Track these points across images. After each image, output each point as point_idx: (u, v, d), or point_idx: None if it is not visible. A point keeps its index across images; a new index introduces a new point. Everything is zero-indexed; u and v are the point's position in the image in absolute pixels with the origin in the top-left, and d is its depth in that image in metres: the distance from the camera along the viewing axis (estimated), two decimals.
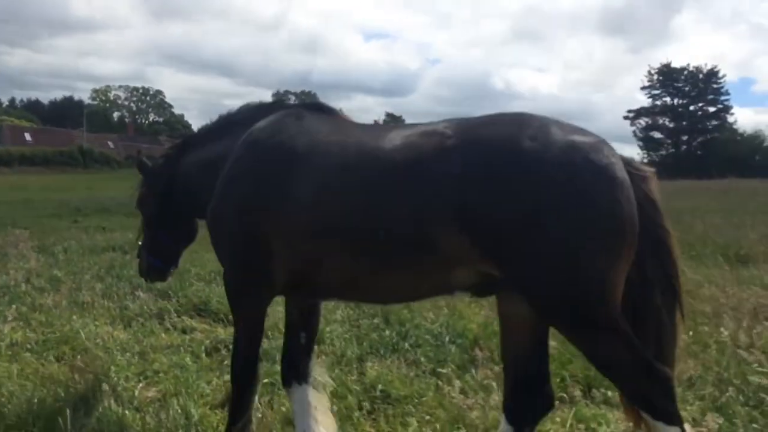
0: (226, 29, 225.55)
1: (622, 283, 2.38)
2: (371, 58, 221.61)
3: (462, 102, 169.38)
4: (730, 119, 78.54)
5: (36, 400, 3.68)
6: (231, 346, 3.48)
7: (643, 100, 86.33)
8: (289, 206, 2.79)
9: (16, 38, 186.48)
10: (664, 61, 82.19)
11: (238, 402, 3.17)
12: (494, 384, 3.81)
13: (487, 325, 4.85)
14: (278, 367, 4.18)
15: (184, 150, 3.73)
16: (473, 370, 4.15)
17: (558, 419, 3.46)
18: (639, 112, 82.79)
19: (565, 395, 3.70)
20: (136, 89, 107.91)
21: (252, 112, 3.42)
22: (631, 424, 2.70)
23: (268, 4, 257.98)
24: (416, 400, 3.72)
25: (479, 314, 5.32)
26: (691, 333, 4.64)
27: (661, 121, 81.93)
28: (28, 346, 4.73)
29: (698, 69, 78.65)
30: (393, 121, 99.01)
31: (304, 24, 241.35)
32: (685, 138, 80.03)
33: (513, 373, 2.84)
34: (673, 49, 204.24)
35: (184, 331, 5.20)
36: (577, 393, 3.75)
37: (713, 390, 3.74)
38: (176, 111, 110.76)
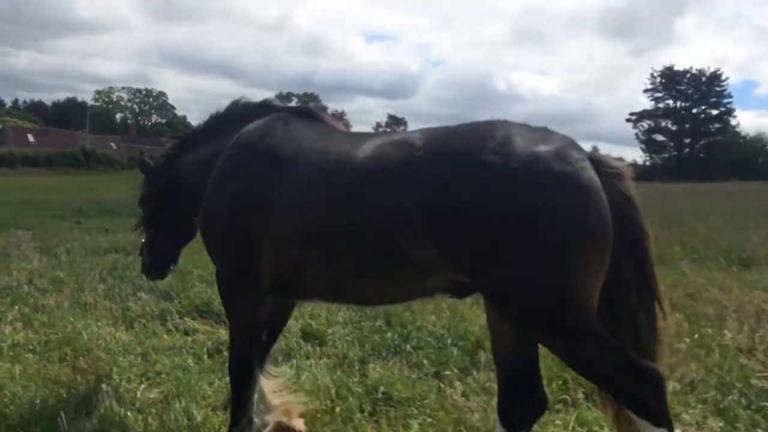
0: (229, 30, 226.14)
1: (596, 287, 2.38)
2: (373, 59, 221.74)
3: (464, 104, 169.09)
4: (733, 122, 78.51)
5: (38, 401, 3.69)
6: None
7: (646, 103, 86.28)
8: (275, 209, 2.87)
9: (20, 39, 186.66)
10: (667, 64, 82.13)
11: (238, 401, 3.21)
12: (496, 387, 3.78)
13: None
14: (280, 369, 4.21)
15: (183, 149, 3.81)
16: (475, 373, 4.15)
17: (560, 422, 3.46)
18: (641, 115, 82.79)
19: (567, 398, 3.70)
20: (139, 91, 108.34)
21: (242, 112, 3.51)
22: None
23: (270, 6, 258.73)
24: (418, 403, 3.72)
25: (481, 316, 5.30)
26: (695, 336, 4.64)
27: (663, 124, 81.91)
28: (31, 347, 4.73)
29: (701, 72, 78.65)
30: (395, 123, 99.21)
31: (306, 25, 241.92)
32: (687, 141, 79.98)
33: (504, 375, 2.85)
34: (676, 51, 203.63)
35: (186, 333, 5.21)
36: (580, 396, 3.74)
37: (715, 393, 3.73)
38: (179, 112, 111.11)
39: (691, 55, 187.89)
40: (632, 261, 2.45)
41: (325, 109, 3.81)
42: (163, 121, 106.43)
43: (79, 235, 11.77)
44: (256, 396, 3.35)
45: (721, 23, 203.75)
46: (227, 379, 3.87)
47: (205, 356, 4.58)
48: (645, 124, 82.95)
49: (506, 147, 2.34)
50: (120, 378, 4.08)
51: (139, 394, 3.85)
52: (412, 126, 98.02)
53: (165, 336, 5.10)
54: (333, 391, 3.83)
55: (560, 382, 3.85)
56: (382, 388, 3.87)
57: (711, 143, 77.62)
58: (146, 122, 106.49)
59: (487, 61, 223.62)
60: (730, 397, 3.64)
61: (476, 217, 2.31)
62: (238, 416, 3.20)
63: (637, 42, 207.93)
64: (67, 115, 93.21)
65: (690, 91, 79.35)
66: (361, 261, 2.64)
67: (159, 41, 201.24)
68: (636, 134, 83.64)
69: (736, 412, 3.50)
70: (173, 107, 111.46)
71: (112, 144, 75.60)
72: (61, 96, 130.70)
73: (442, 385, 3.96)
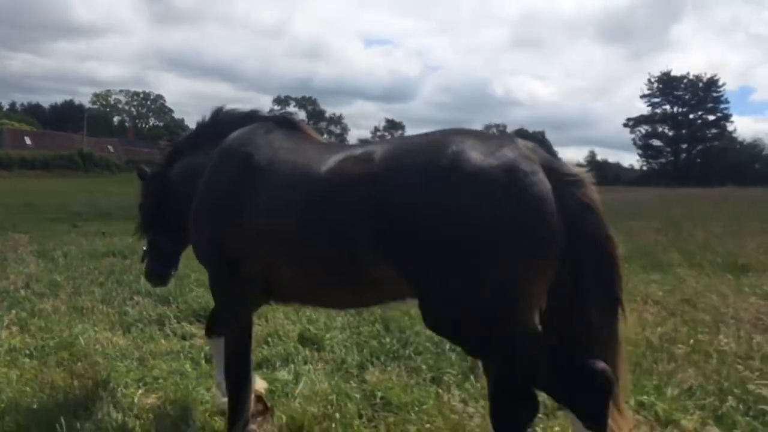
0: (228, 35, 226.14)
1: (536, 296, 2.42)
2: (372, 64, 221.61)
3: (462, 108, 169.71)
4: (730, 128, 79.01)
5: (35, 407, 3.68)
6: None
7: (643, 108, 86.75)
8: (250, 215, 3.00)
9: (18, 42, 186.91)
10: (664, 70, 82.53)
11: (234, 402, 3.25)
12: None
13: None
14: (278, 375, 4.23)
15: (174, 157, 3.95)
16: (473, 378, 4.14)
17: (558, 428, 3.45)
18: (638, 120, 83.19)
19: None
20: (136, 93, 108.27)
21: (226, 120, 3.68)
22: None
23: (269, 10, 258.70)
24: (417, 408, 3.71)
25: None
26: (692, 342, 4.65)
27: (660, 129, 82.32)
28: (28, 352, 4.70)
29: (698, 77, 79.13)
30: (392, 127, 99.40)
31: (305, 30, 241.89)
32: (684, 146, 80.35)
33: (495, 381, 2.83)
34: (673, 57, 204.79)
35: (183, 338, 5.19)
36: None
37: (714, 399, 3.73)
38: (177, 115, 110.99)
39: (688, 60, 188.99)
40: (594, 268, 2.42)
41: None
42: (161, 124, 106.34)
43: (76, 238, 11.75)
44: (251, 396, 3.37)
45: (718, 29, 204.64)
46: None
47: (203, 361, 4.57)
48: (642, 129, 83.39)
49: (455, 162, 2.36)
50: (117, 383, 4.06)
51: (136, 400, 3.84)
52: (410, 131, 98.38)
53: (162, 341, 5.08)
54: (331, 397, 3.82)
55: None
56: (380, 394, 3.86)
57: (708, 149, 78.00)
58: (144, 125, 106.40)
59: (486, 66, 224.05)
60: (728, 403, 3.64)
61: (419, 233, 2.36)
62: (235, 417, 3.23)
63: (634, 48, 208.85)
64: (64, 117, 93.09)
65: (687, 97, 79.76)
66: (325, 269, 2.75)
67: (157, 45, 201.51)
68: (633, 139, 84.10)
69: (734, 418, 3.50)
70: (171, 110, 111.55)
71: (110, 147, 75.46)
72: (59, 99, 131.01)
73: (440, 391, 3.95)
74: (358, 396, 3.86)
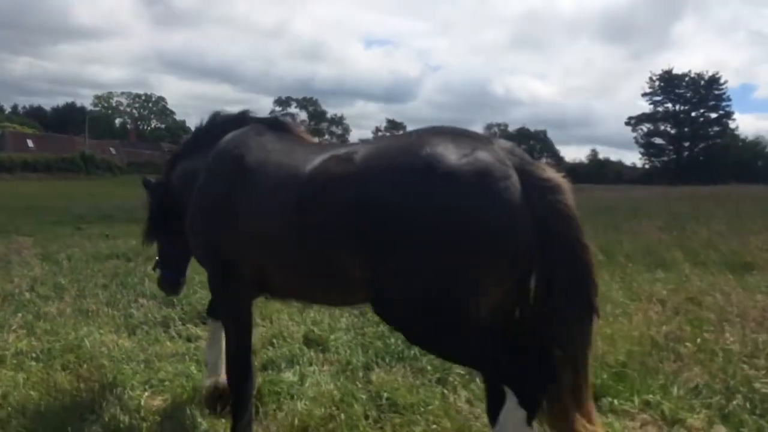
0: (228, 36, 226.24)
1: (493, 295, 2.47)
2: (372, 64, 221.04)
3: (463, 108, 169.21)
4: (732, 125, 78.86)
5: (42, 410, 3.69)
6: None
7: (645, 107, 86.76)
8: (242, 215, 3.05)
9: (19, 46, 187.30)
10: (666, 68, 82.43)
11: (237, 398, 3.28)
12: None
13: None
14: (283, 376, 4.23)
15: (175, 162, 4.03)
16: (478, 379, 4.14)
17: None
18: (640, 119, 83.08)
19: None
20: (138, 96, 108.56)
21: (221, 124, 3.75)
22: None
23: (269, 12, 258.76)
24: (422, 409, 3.71)
25: None
26: (698, 340, 4.64)
27: (662, 128, 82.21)
28: (34, 355, 4.71)
29: (700, 75, 79.00)
30: (393, 127, 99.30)
31: (305, 31, 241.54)
32: (686, 144, 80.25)
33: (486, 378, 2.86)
34: (674, 55, 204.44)
35: (188, 339, 5.20)
36: None
37: (720, 398, 3.73)
38: (178, 117, 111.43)
39: (689, 59, 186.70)
40: (567, 273, 2.42)
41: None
42: (163, 126, 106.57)
43: (79, 241, 11.74)
44: (253, 392, 3.42)
45: (719, 27, 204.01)
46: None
47: None
48: (644, 127, 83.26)
49: (428, 164, 2.39)
50: (123, 385, 4.08)
51: (143, 402, 3.85)
52: None
53: (168, 343, 5.09)
54: (337, 398, 3.83)
55: None
56: (386, 395, 3.87)
57: (710, 146, 77.86)
58: (145, 127, 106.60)
59: (486, 65, 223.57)
60: (734, 402, 3.63)
61: (389, 230, 2.40)
62: (239, 413, 3.26)
63: (635, 46, 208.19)
64: (66, 120, 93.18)
65: (689, 95, 79.65)
66: (311, 269, 2.78)
67: (158, 47, 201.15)
68: (635, 138, 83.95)
69: (741, 417, 3.50)
70: (172, 112, 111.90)
71: (112, 149, 75.59)
72: (61, 101, 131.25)
73: (446, 391, 3.95)
74: (363, 397, 3.87)
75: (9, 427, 3.52)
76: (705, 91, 78.62)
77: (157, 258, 4.32)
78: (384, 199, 2.43)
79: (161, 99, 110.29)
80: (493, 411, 2.71)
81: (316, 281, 2.87)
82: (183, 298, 6.23)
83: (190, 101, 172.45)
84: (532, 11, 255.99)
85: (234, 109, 3.89)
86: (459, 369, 4.29)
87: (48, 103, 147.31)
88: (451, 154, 2.40)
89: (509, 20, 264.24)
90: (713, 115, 79.04)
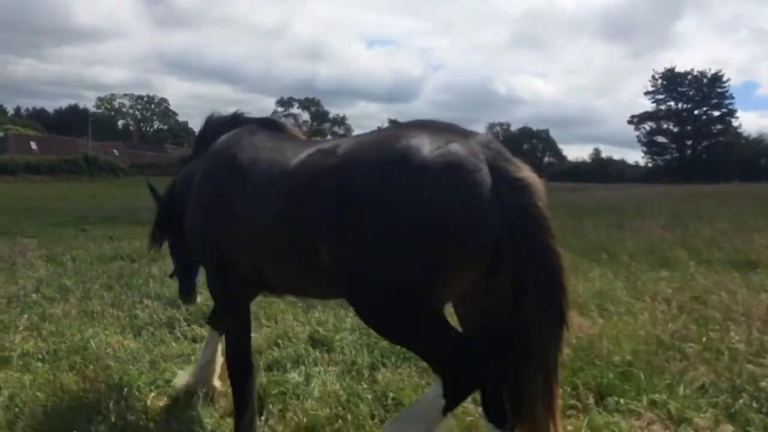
0: (229, 37, 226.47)
1: (453, 288, 2.50)
2: (374, 64, 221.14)
3: (465, 107, 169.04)
4: (735, 123, 78.73)
5: (48, 411, 3.70)
6: None
7: (647, 105, 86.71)
8: (236, 213, 3.08)
9: (22, 48, 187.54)
10: (668, 66, 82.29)
11: (239, 396, 3.31)
12: None
13: None
14: (289, 376, 4.24)
15: (182, 166, 4.15)
16: None
17: (571, 427, 3.45)
18: (643, 117, 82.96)
19: (578, 403, 3.69)
20: (140, 97, 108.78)
21: (216, 126, 3.84)
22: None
23: (270, 12, 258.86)
24: None
25: None
26: (703, 339, 4.63)
27: (665, 126, 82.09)
28: (40, 357, 4.73)
29: (702, 74, 78.85)
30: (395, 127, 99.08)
31: (306, 31, 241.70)
32: (689, 142, 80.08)
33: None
34: (676, 54, 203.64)
35: (194, 340, 5.21)
36: (590, 401, 3.73)
37: (726, 397, 3.72)
38: (180, 118, 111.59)
39: (691, 57, 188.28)
40: (533, 272, 2.40)
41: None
42: (165, 127, 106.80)
43: (83, 242, 11.75)
44: (255, 390, 3.42)
45: (721, 25, 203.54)
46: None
47: None
48: (647, 126, 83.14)
49: (402, 158, 2.41)
50: (129, 386, 4.09)
51: (149, 402, 3.86)
52: None
53: (173, 344, 5.10)
54: (343, 398, 3.83)
55: (570, 388, 3.85)
56: (391, 394, 3.87)
57: (713, 144, 77.71)
58: (148, 129, 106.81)
59: (488, 65, 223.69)
60: (741, 401, 3.63)
61: (363, 223, 2.42)
62: (241, 410, 3.27)
63: (637, 44, 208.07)
64: (69, 122, 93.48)
65: (691, 93, 79.51)
66: (301, 264, 2.79)
67: (160, 48, 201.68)
68: (638, 136, 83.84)
69: (747, 416, 3.49)
70: (175, 113, 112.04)
71: (115, 150, 75.82)
72: (63, 103, 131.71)
73: None
74: (369, 397, 3.87)
75: (16, 428, 3.54)
76: (707, 89, 78.48)
77: (174, 267, 4.43)
78: (361, 189, 2.46)
79: (164, 100, 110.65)
80: (488, 405, 2.72)
81: (313, 276, 2.84)
82: None
83: (191, 102, 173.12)
84: (533, 10, 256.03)
85: (233, 110, 3.94)
86: None
87: (51, 105, 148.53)
88: (425, 146, 2.43)
89: (510, 19, 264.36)
90: (716, 113, 78.94)
